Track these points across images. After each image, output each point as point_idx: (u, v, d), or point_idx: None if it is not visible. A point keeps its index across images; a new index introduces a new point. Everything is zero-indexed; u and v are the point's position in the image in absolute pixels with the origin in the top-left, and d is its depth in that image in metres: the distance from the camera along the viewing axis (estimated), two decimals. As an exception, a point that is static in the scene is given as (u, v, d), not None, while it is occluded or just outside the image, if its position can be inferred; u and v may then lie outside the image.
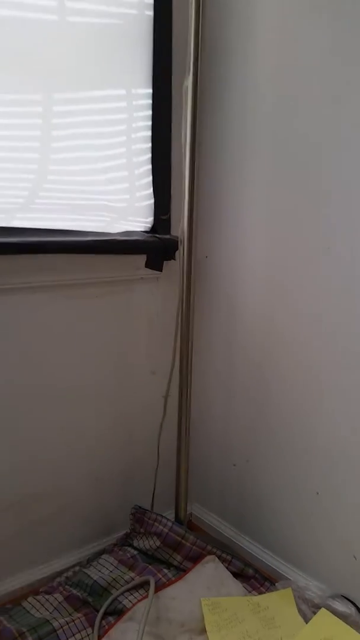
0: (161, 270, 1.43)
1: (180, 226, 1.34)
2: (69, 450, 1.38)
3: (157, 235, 1.41)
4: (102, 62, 1.21)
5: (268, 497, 1.41)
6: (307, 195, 1.21)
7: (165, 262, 1.44)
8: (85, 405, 1.39)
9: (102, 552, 1.42)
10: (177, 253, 1.40)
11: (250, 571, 1.38)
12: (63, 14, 1.14)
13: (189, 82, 1.19)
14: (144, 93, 1.30)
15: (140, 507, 1.45)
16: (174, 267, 1.43)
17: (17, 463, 1.29)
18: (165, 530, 1.38)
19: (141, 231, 1.41)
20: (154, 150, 1.36)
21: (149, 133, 1.34)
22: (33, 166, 1.16)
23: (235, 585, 1.32)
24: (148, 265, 1.42)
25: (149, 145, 1.35)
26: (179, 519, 1.47)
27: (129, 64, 1.26)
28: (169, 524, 1.39)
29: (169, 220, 1.44)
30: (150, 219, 1.42)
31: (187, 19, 1.22)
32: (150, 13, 1.28)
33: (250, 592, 1.32)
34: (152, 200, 1.40)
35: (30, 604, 1.23)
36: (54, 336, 1.29)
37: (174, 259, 1.43)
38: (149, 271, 1.42)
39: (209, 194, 1.44)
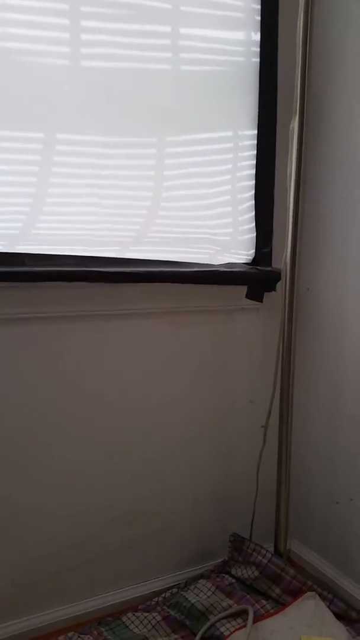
0: (262, 301, 1.47)
1: (282, 258, 1.38)
2: (169, 470, 1.43)
3: (259, 267, 1.46)
4: (211, 106, 1.32)
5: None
6: None
7: (266, 294, 1.48)
8: (185, 426, 1.44)
9: (200, 576, 1.43)
10: (278, 284, 1.44)
11: (354, 614, 1.31)
12: (177, 64, 1.26)
13: (295, 123, 1.26)
14: (249, 134, 1.39)
15: (238, 535, 1.45)
16: (275, 299, 1.46)
17: (122, 478, 1.36)
18: (265, 561, 1.36)
19: (243, 263, 1.47)
20: (258, 187, 1.42)
21: (253, 171, 1.41)
22: (146, 203, 1.27)
23: (338, 626, 1.26)
24: (249, 296, 1.47)
25: (253, 182, 1.42)
26: (278, 552, 1.44)
27: (236, 107, 1.36)
28: (269, 555, 1.37)
29: (270, 253, 1.49)
30: (252, 251, 1.47)
31: (292, 63, 1.29)
32: (257, 59, 1.37)
33: (354, 636, 1.26)
34: (254, 234, 1.45)
35: (129, 619, 1.26)
36: (158, 358, 1.37)
37: (275, 290, 1.46)
38: (250, 302, 1.47)
39: (311, 227, 1.47)
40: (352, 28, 1.31)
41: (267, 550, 1.39)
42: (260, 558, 1.37)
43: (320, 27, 1.37)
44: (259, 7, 1.34)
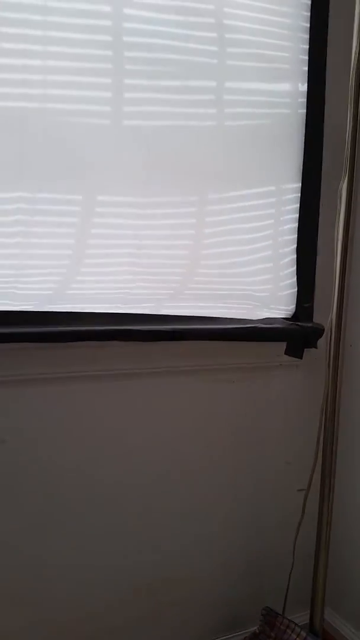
0: (301, 358, 1.40)
1: (328, 314, 1.31)
2: (196, 535, 1.36)
3: (299, 323, 1.39)
4: (254, 161, 1.27)
5: None
6: None
7: (306, 350, 1.41)
8: (216, 489, 1.37)
9: (230, 650, 1.36)
10: (319, 341, 1.37)
11: None
12: (222, 119, 1.22)
13: (344, 184, 1.20)
14: (292, 187, 1.33)
15: (271, 609, 1.37)
16: (315, 355, 1.39)
17: (145, 545, 1.30)
18: (299, 640, 1.28)
19: (282, 318, 1.40)
20: (300, 242, 1.36)
21: (296, 225, 1.35)
22: (184, 261, 1.22)
23: None
24: (288, 352, 1.40)
25: (295, 236, 1.36)
26: (313, 629, 1.35)
27: (279, 161, 1.30)
28: (303, 634, 1.29)
29: (311, 308, 1.42)
30: (293, 306, 1.41)
31: (341, 114, 1.22)
32: (303, 111, 1.32)
33: None
34: (296, 289, 1.39)
35: None
36: (190, 417, 1.31)
37: (316, 347, 1.39)
38: (289, 358, 1.40)
39: (355, 283, 1.40)
40: None
41: (301, 629, 1.30)
42: (295, 637, 1.29)
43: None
44: (306, 57, 1.29)
